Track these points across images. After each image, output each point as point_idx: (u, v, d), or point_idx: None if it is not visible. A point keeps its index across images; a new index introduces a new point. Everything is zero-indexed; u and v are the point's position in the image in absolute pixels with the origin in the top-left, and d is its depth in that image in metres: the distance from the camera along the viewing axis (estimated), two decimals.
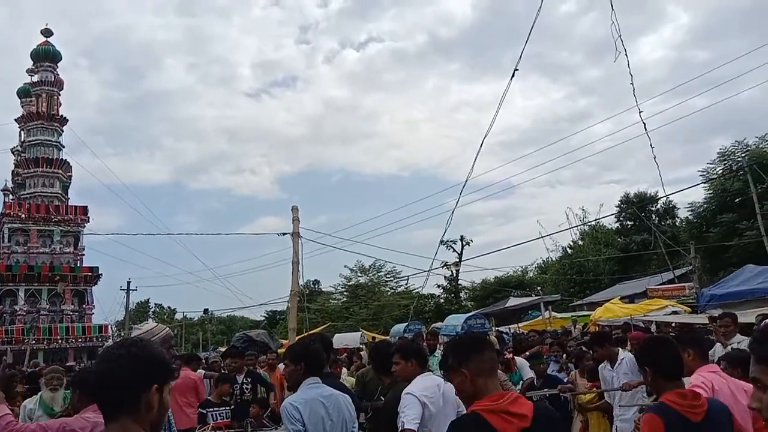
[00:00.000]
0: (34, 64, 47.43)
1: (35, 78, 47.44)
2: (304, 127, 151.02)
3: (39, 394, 5.92)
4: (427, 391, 4.38)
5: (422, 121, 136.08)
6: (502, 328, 25.57)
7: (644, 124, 8.50)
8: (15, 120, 47.85)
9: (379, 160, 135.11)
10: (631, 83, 8.20)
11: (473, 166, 9.92)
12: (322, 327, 34.01)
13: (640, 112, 8.50)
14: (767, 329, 1.54)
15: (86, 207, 45.33)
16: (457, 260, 43.74)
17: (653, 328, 14.90)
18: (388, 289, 50.06)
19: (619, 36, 7.42)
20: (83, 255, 45.04)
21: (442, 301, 48.27)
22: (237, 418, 6.92)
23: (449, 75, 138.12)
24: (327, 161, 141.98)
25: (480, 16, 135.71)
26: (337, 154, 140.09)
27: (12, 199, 44.94)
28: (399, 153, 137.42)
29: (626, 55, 7.62)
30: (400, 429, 4.23)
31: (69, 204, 45.57)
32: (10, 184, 47.26)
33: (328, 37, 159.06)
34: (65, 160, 46.90)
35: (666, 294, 22.83)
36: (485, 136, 9.11)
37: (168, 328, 4.18)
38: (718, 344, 7.09)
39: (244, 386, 7.92)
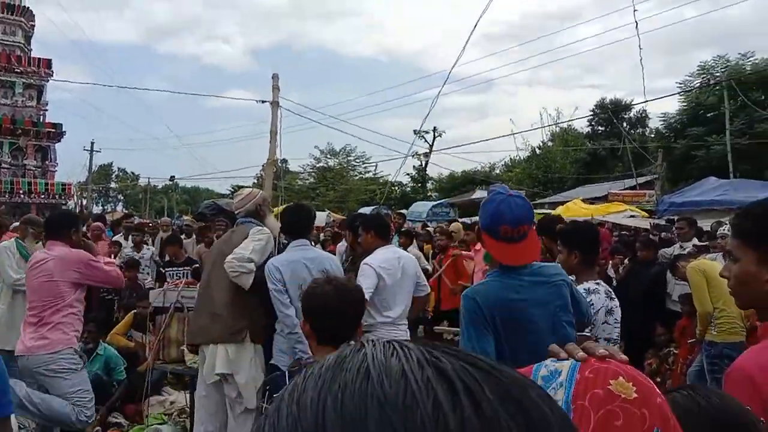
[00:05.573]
0: None
1: None
2: None
3: (14, 239, 5.97)
4: (386, 263, 4.50)
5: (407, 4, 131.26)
6: (465, 219, 26.10)
7: (636, 24, 8.36)
8: None
9: (359, 41, 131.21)
10: None
11: (459, 57, 9.73)
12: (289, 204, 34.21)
13: (635, 11, 8.32)
14: (750, 208, 1.61)
15: (50, 60, 43.10)
16: (428, 151, 43.82)
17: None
18: (356, 174, 50.21)
19: None
20: (46, 110, 43.38)
21: (409, 189, 48.79)
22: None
23: None
24: (305, 37, 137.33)
25: None
26: (316, 31, 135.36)
27: None
28: (379, 36, 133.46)
29: None
30: None
31: (32, 56, 43.43)
32: None
33: None
34: (28, 7, 43.96)
35: (627, 199, 23.23)
36: (473, 28, 8.87)
37: (263, 192, 4.35)
38: (676, 245, 7.48)
39: None
